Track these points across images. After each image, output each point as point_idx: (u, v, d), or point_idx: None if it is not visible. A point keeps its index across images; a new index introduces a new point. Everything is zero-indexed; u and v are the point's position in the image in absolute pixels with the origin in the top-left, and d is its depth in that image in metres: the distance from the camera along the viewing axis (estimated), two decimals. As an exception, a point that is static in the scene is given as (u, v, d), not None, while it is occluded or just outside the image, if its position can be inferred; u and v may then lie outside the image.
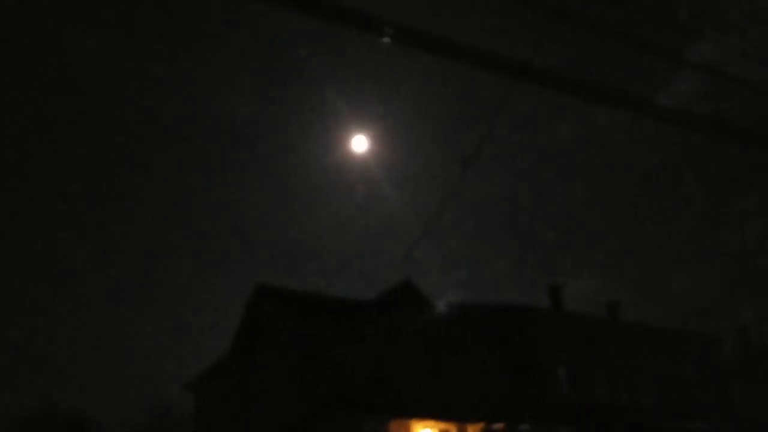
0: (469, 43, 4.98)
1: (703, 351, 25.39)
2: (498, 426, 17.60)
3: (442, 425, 17.29)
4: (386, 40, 4.52)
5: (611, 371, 22.59)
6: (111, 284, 61.44)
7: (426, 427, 17.08)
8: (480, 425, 17.52)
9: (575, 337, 22.53)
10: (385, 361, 17.81)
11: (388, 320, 18.65)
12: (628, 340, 23.74)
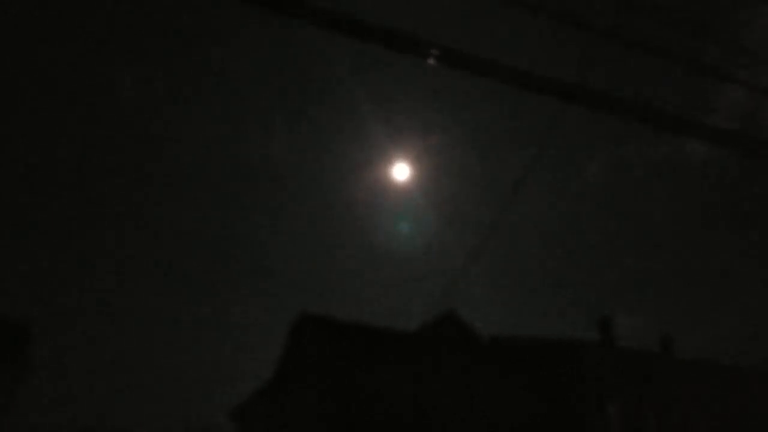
0: (513, 64, 4.95)
1: (764, 389, 24.05)
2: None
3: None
4: (431, 61, 4.53)
5: (665, 410, 21.56)
6: (158, 310, 62.76)
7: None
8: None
9: (627, 373, 21.65)
10: (426, 393, 17.47)
11: (431, 351, 18.37)
12: (684, 378, 22.67)
